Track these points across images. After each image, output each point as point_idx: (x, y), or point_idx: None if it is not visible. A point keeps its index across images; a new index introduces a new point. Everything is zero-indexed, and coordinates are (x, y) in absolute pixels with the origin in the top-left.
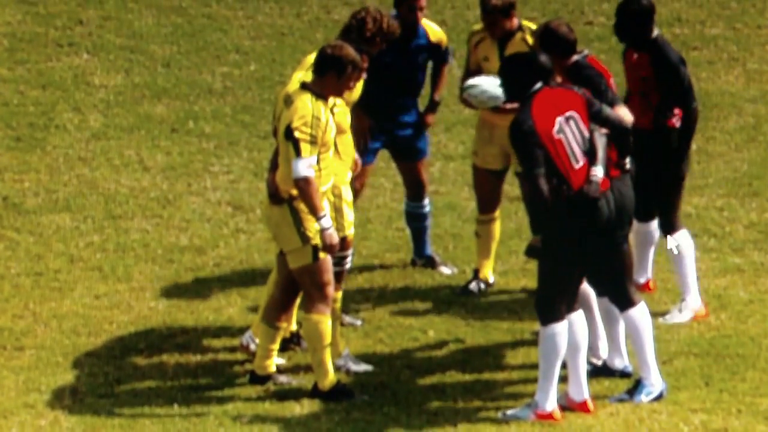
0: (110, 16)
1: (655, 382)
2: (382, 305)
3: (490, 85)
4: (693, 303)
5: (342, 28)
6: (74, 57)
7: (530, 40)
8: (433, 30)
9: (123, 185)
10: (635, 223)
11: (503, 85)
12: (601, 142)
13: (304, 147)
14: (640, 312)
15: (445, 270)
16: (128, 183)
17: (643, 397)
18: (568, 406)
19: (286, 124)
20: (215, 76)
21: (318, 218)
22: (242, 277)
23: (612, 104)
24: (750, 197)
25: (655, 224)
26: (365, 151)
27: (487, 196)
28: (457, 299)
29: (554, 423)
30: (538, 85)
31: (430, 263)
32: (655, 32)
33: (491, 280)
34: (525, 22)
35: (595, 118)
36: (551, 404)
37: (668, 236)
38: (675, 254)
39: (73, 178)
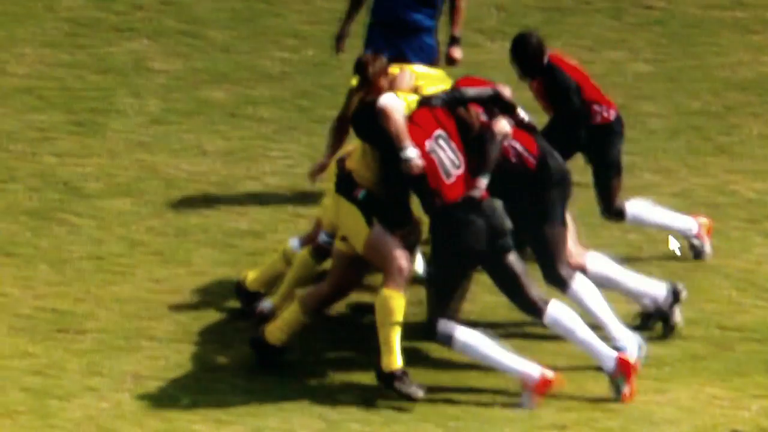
0: (169, 1)
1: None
2: None
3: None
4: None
5: None
6: (134, 42)
7: None
8: None
9: (182, 170)
10: None
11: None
12: (491, 148)
13: None
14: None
15: None
16: (187, 168)
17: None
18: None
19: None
20: (273, 61)
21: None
22: None
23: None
24: None
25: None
26: None
27: None
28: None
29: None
30: None
31: None
32: (545, 60)
33: None
34: None
35: (455, 104)
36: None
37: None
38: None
39: (133, 162)
